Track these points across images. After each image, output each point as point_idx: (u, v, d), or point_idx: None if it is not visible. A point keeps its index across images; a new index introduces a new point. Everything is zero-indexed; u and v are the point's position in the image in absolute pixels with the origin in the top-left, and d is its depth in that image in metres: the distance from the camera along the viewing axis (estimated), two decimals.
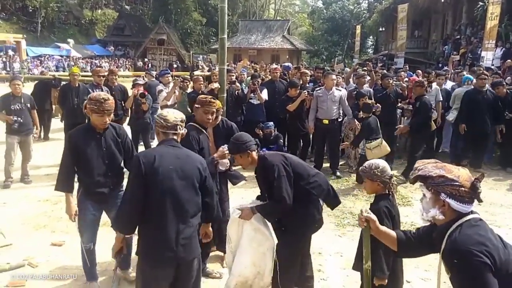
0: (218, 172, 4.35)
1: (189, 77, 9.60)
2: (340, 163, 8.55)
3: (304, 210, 3.56)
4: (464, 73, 10.25)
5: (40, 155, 8.81)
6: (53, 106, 11.11)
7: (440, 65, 19.29)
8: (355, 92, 8.45)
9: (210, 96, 4.34)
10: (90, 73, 15.27)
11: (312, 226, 3.67)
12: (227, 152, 4.01)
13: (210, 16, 47.30)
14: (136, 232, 3.02)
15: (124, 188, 3.46)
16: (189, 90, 8.60)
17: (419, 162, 2.28)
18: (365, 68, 10.90)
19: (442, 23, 27.16)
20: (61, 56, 36.94)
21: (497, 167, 8.67)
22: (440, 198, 2.11)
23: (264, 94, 8.62)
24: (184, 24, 45.52)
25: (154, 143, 9.37)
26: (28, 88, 9.60)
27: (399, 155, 8.62)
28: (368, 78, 9.36)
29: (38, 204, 6.43)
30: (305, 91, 8.17)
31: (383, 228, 2.63)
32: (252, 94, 8.55)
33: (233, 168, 4.69)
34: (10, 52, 31.21)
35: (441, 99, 8.92)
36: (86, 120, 8.25)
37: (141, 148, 8.10)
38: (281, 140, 8.78)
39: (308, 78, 9.46)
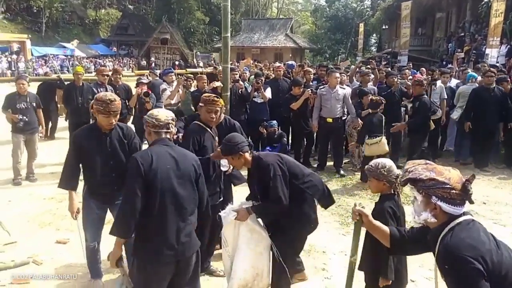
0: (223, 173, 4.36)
1: (192, 75, 9.60)
2: (344, 161, 8.55)
3: (299, 209, 3.55)
4: (469, 70, 10.20)
5: (45, 153, 8.84)
6: (58, 106, 11.17)
7: (444, 62, 19.19)
8: (359, 90, 8.44)
9: (213, 95, 4.33)
10: (94, 73, 15.29)
11: (307, 226, 3.65)
12: None
13: (213, 15, 47.32)
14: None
15: None
16: (193, 88, 8.60)
17: (409, 164, 2.25)
18: (368, 66, 10.87)
19: (446, 21, 27.02)
20: (66, 56, 37.03)
21: (502, 165, 8.62)
22: (431, 201, 2.08)
23: (268, 93, 8.62)
24: (187, 23, 45.50)
25: None
26: (32, 88, 9.62)
27: (403, 154, 8.59)
28: (372, 76, 9.34)
29: (43, 202, 6.46)
30: (308, 89, 8.16)
31: (376, 222, 2.62)
32: (255, 93, 8.55)
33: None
34: (14, 56, 31.37)
35: (446, 97, 8.88)
36: (91, 119, 8.35)
37: (144, 147, 8.10)
38: (285, 139, 8.77)
39: (312, 76, 9.44)
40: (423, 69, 13.26)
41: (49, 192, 6.79)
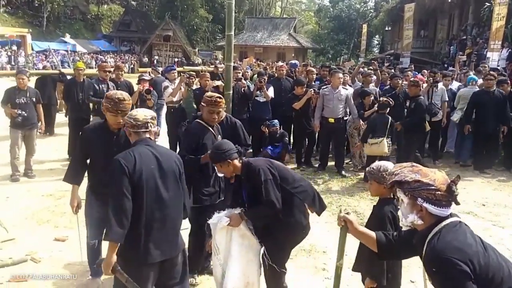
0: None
1: (194, 73, 9.57)
2: (345, 161, 8.53)
3: (290, 215, 3.48)
4: (471, 73, 10.19)
5: (44, 149, 8.80)
6: (58, 101, 11.14)
7: (446, 65, 19.20)
8: (361, 90, 8.41)
9: (216, 95, 4.27)
10: (95, 68, 15.23)
11: (299, 231, 3.58)
12: None
13: (216, 13, 47.30)
14: None
15: None
16: (195, 86, 8.57)
17: (396, 166, 2.25)
18: (370, 67, 10.85)
19: (448, 23, 27.05)
20: (66, 51, 36.97)
21: (501, 167, 8.62)
22: (417, 203, 2.08)
23: (270, 92, 8.59)
24: (190, 20, 45.40)
25: (159, 140, 9.37)
26: (30, 83, 9.60)
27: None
28: (374, 77, 9.31)
29: (41, 199, 6.42)
30: (311, 89, 8.14)
31: (362, 228, 2.62)
32: (258, 92, 8.53)
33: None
34: (14, 47, 31.31)
35: (447, 99, 8.88)
36: (91, 115, 8.33)
37: None
38: (287, 138, 8.76)
39: (314, 76, 9.42)
40: (425, 71, 13.26)
41: (47, 188, 6.78)
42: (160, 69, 12.77)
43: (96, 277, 4.08)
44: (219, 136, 4.32)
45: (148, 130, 3.10)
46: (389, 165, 3.18)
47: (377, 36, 46.90)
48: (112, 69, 8.46)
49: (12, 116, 7.20)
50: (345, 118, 8.21)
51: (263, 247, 3.49)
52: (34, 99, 7.44)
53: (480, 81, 8.98)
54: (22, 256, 4.60)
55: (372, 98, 8.08)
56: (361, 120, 8.01)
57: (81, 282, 4.18)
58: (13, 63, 29.94)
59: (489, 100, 8.15)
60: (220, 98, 4.23)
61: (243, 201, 3.56)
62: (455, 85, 9.73)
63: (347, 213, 2.62)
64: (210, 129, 4.22)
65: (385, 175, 3.05)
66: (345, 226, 2.62)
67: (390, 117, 7.22)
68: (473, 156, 8.69)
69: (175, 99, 8.17)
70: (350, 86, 8.84)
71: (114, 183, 2.83)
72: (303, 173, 8.04)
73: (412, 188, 2.08)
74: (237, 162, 3.52)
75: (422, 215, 2.08)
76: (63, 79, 10.36)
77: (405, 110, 8.78)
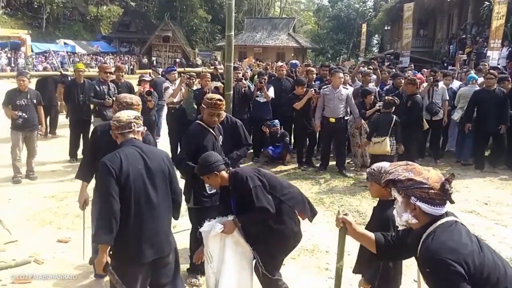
0: None
1: (195, 74, 9.57)
2: (346, 161, 8.53)
3: (280, 222, 3.45)
4: (471, 72, 10.19)
5: (46, 151, 8.79)
6: (59, 103, 11.13)
7: (445, 64, 19.22)
8: (361, 89, 8.42)
9: (216, 98, 4.22)
10: (95, 69, 15.22)
11: (291, 239, 3.55)
12: None
13: (215, 14, 47.31)
14: None
15: None
16: (195, 87, 8.57)
17: (391, 165, 2.24)
18: (370, 67, 10.86)
19: (448, 22, 27.06)
20: (66, 52, 36.93)
21: (503, 166, 8.61)
22: (410, 202, 2.06)
23: (271, 92, 8.60)
24: (189, 21, 45.39)
25: (159, 140, 9.38)
26: (31, 85, 9.61)
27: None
28: (374, 76, 9.31)
29: (43, 200, 6.41)
30: (311, 89, 8.14)
31: (361, 230, 2.61)
32: (258, 92, 8.53)
33: None
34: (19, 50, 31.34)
35: (448, 98, 8.89)
36: (92, 116, 8.33)
37: None
38: (287, 138, 8.77)
39: (314, 76, 9.42)
40: (425, 70, 13.27)
41: (49, 190, 6.77)
42: (160, 70, 12.76)
43: (100, 278, 4.08)
44: (220, 136, 4.32)
45: (131, 130, 3.09)
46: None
47: (376, 35, 46.95)
48: (113, 70, 8.46)
49: (12, 118, 7.17)
50: (346, 118, 8.21)
51: (256, 255, 3.47)
52: (35, 101, 7.42)
53: (480, 79, 8.99)
54: (25, 257, 4.60)
55: (373, 97, 8.08)
56: (362, 119, 8.01)
57: (85, 283, 4.19)
58: (13, 64, 29.93)
59: (490, 99, 8.15)
60: (220, 100, 4.19)
61: (231, 212, 3.52)
62: (455, 84, 9.73)
63: (345, 214, 2.60)
64: (211, 130, 4.20)
65: None
66: (344, 227, 2.60)
67: (395, 116, 7.17)
68: (474, 154, 8.68)
69: (175, 100, 8.18)
70: (351, 85, 8.84)
71: (101, 185, 2.88)
72: (304, 173, 8.06)
73: (405, 187, 2.07)
74: (224, 174, 3.48)
75: (416, 214, 2.07)
76: (64, 80, 10.36)
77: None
